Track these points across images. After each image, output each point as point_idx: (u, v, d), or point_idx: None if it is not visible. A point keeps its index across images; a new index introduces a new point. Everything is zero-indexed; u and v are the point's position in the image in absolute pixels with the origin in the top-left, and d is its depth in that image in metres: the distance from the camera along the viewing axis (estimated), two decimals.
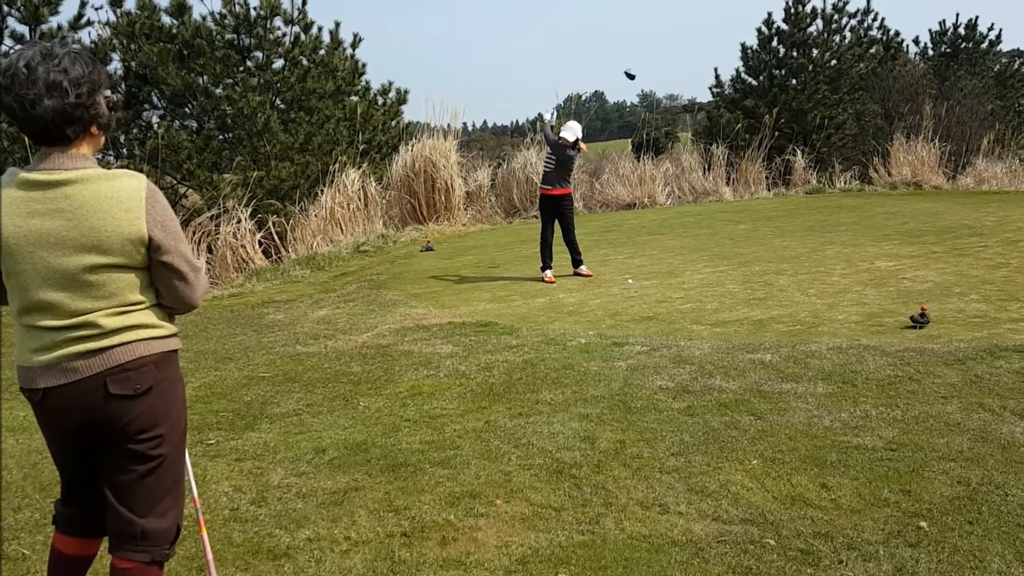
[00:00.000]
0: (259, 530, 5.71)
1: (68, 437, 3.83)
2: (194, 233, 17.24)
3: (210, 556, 4.44)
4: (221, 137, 20.24)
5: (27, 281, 3.59)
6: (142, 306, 3.74)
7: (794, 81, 30.91)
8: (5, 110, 3.56)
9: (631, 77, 19.42)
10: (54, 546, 4.11)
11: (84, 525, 4.06)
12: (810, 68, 30.59)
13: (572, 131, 14.59)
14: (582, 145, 14.71)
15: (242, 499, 6.23)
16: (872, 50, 32.01)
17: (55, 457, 3.97)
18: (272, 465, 6.85)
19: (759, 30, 31.35)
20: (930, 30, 37.01)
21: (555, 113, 25.81)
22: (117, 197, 3.56)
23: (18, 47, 4.04)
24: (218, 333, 11.95)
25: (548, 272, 14.66)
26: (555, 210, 14.79)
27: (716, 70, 34.41)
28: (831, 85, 30.63)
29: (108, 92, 3.83)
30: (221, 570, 5.17)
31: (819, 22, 30.66)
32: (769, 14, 30.99)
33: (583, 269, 14.68)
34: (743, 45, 31.79)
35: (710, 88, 33.51)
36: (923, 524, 5.28)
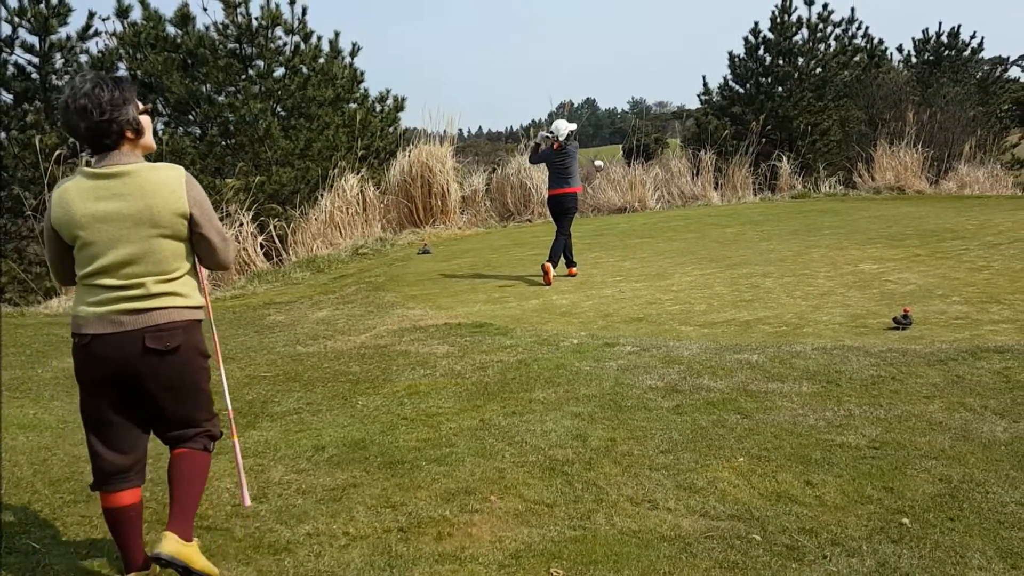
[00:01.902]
0: (260, 525, 5.71)
1: (105, 383, 4.61)
2: None
3: (240, 461, 5.65)
4: (224, 143, 20.23)
5: (94, 251, 4.48)
6: (181, 272, 4.65)
7: (780, 89, 30.93)
8: (66, 132, 4.97)
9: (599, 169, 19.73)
10: (109, 506, 4.73)
11: (125, 474, 4.76)
12: (796, 76, 30.60)
13: (555, 132, 14.61)
14: (558, 141, 14.63)
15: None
16: (856, 58, 32.03)
17: (89, 408, 4.72)
18: (273, 462, 6.85)
19: (746, 39, 31.37)
20: (913, 38, 37.12)
21: (548, 121, 25.76)
22: (164, 182, 4.52)
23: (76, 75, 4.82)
24: (220, 333, 11.94)
25: (572, 267, 14.96)
26: (556, 209, 14.83)
27: (704, 78, 34.46)
28: (816, 92, 30.65)
29: (139, 104, 4.65)
30: (223, 564, 5.18)
31: (804, 31, 30.68)
32: (756, 23, 31.01)
33: (552, 269, 14.52)
34: (730, 54, 31.80)
35: (698, 95, 33.54)
36: (905, 521, 5.29)
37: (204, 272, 5.26)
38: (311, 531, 5.59)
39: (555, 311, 12.05)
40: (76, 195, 4.46)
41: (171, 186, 4.52)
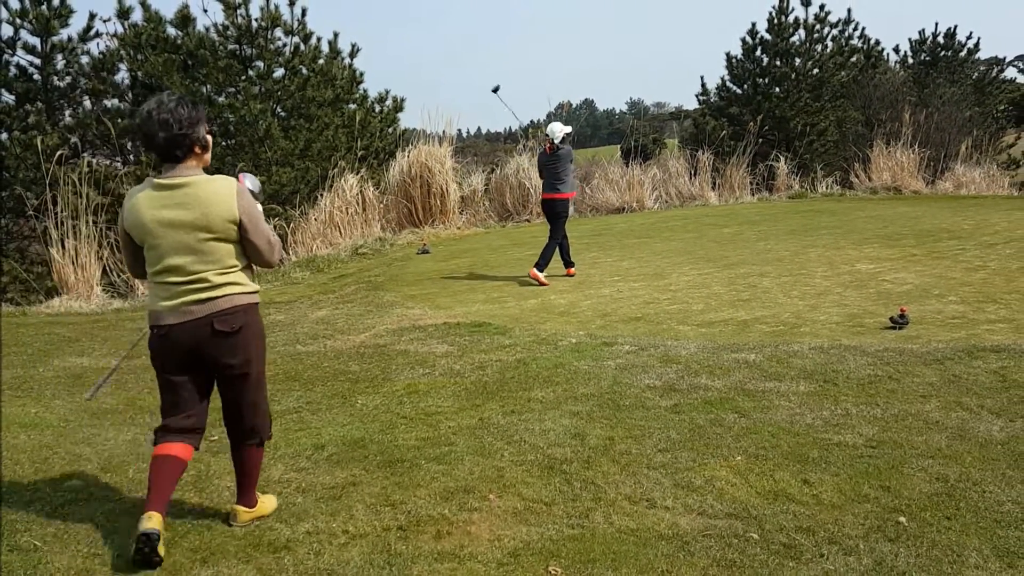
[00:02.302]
0: (260, 523, 5.71)
1: (180, 363, 5.37)
2: None
3: None
4: (224, 144, 20.22)
5: (161, 252, 5.21)
6: (236, 268, 5.36)
7: (777, 89, 30.90)
8: (140, 139, 5.61)
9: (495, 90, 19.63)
10: (157, 453, 5.43)
11: (185, 431, 5.52)
12: (793, 77, 30.59)
13: (549, 134, 14.53)
14: (551, 143, 14.50)
15: None
16: (853, 59, 32.02)
17: (164, 381, 5.47)
18: (273, 461, 6.84)
19: (743, 40, 31.35)
20: (910, 39, 37.13)
21: (546, 122, 25.75)
22: (219, 193, 5.20)
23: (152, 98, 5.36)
24: None
25: (570, 268, 14.94)
26: (547, 213, 14.78)
27: (702, 78, 34.41)
28: (813, 93, 30.64)
29: (206, 125, 5.37)
30: (224, 562, 5.18)
31: (801, 32, 30.66)
32: (753, 24, 30.98)
33: (540, 275, 14.43)
34: (728, 54, 31.78)
35: (696, 96, 33.51)
36: (902, 519, 5.29)
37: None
38: (311, 529, 5.59)
39: (553, 311, 12.05)
40: (145, 204, 5.21)
41: (224, 197, 5.21)
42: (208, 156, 5.40)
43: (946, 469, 6.00)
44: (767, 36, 30.91)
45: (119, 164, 19.62)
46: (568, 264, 15.03)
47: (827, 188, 27.86)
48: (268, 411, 5.88)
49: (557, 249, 14.61)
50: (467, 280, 15.14)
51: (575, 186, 14.68)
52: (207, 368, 5.46)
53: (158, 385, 5.55)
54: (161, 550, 5.12)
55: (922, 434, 6.65)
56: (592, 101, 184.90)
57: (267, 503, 5.90)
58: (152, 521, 5.12)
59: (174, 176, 5.20)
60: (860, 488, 5.78)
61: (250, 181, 5.87)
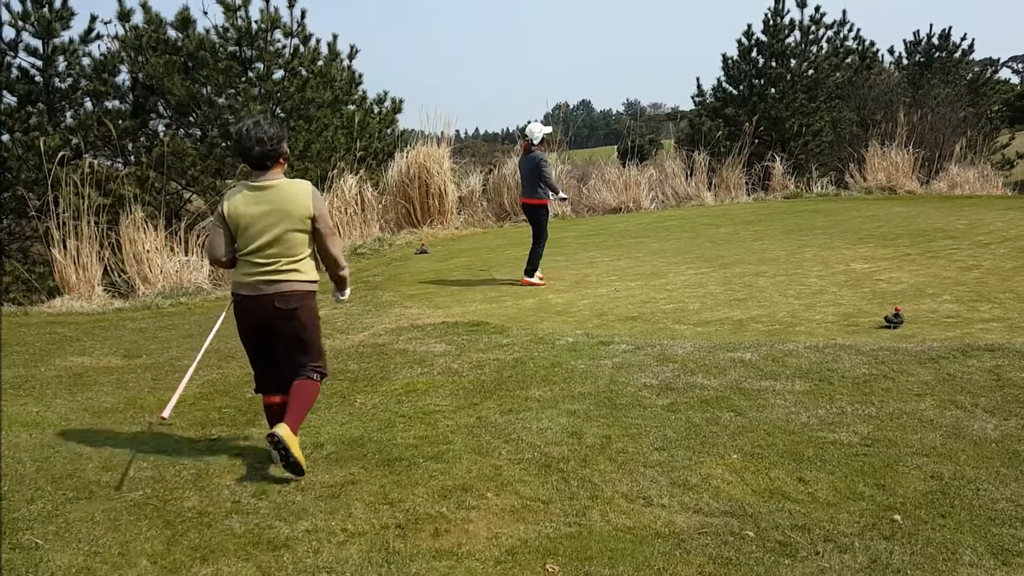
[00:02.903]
0: (260, 522, 5.71)
1: (251, 329, 6.66)
2: (198, 236, 17.20)
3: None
4: (224, 144, 20.20)
5: (250, 238, 6.44)
6: (305, 256, 6.62)
7: (773, 90, 30.92)
8: (239, 152, 6.52)
9: None
10: (266, 403, 6.86)
11: (274, 386, 6.80)
12: (788, 78, 30.61)
13: (528, 134, 14.30)
14: (531, 145, 14.24)
15: (243, 492, 6.23)
16: (848, 60, 32.04)
17: (245, 344, 6.79)
18: (272, 460, 6.84)
19: (739, 41, 31.37)
20: (904, 40, 37.09)
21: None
22: (297, 193, 6.48)
23: (246, 118, 6.94)
24: (221, 333, 11.89)
25: (526, 278, 14.43)
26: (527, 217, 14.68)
27: (698, 80, 34.35)
28: (808, 94, 30.66)
29: (287, 142, 6.69)
30: (223, 560, 5.17)
31: (797, 33, 30.68)
32: (749, 26, 31.00)
33: (532, 279, 14.30)
34: (724, 56, 31.81)
35: (692, 97, 33.52)
36: (897, 517, 5.29)
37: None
38: (310, 527, 5.59)
39: (551, 310, 12.04)
40: (241, 201, 6.45)
41: (301, 196, 6.48)
42: (286, 165, 6.68)
43: (940, 467, 6.00)
44: (763, 37, 30.93)
45: (120, 165, 19.62)
46: (529, 273, 14.54)
47: (822, 188, 27.85)
48: (324, 354, 6.96)
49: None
50: (465, 280, 15.13)
51: (549, 194, 14.20)
52: (267, 336, 6.65)
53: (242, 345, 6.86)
54: (296, 452, 6.36)
55: (917, 432, 6.65)
56: (589, 102, 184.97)
57: (296, 445, 6.41)
58: (279, 428, 6.33)
59: (264, 180, 6.48)
60: (855, 486, 5.78)
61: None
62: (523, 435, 7.08)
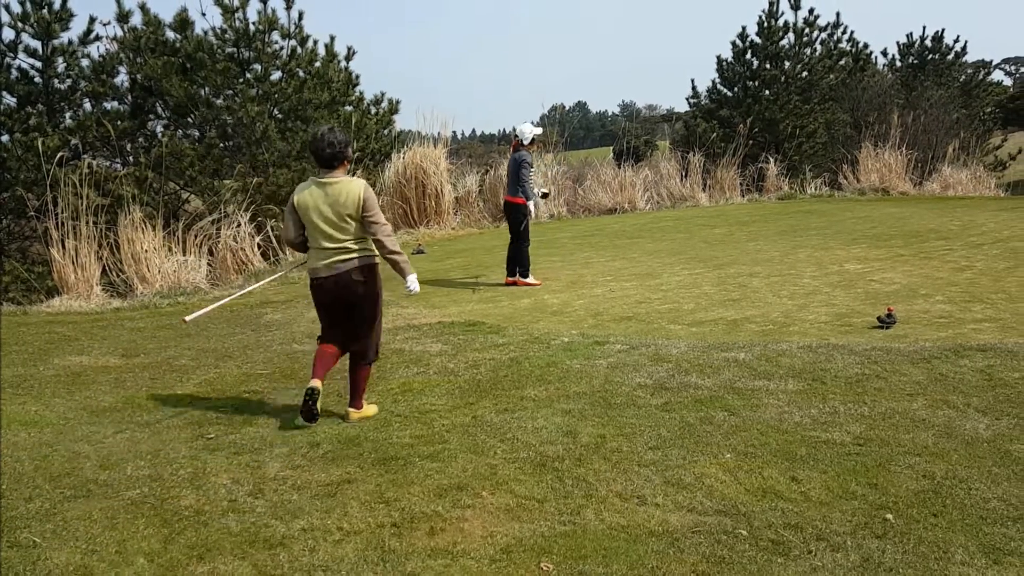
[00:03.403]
0: (256, 520, 5.71)
1: (329, 304, 7.84)
2: (195, 237, 17.20)
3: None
4: (222, 145, 20.18)
5: (316, 227, 7.61)
6: (360, 240, 7.69)
7: (767, 92, 30.90)
8: (312, 153, 7.68)
9: None
10: (320, 348, 7.99)
11: (335, 342, 8.02)
12: (782, 79, 30.60)
13: (518, 135, 14.25)
14: (520, 144, 14.17)
15: (240, 491, 6.23)
16: (842, 62, 32.03)
17: (321, 315, 8.03)
18: (269, 459, 6.84)
19: (734, 43, 31.34)
20: (898, 42, 37.05)
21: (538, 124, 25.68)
22: (352, 189, 7.59)
23: (320, 126, 8.31)
24: (218, 332, 11.93)
25: (511, 278, 14.48)
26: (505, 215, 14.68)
27: (693, 81, 34.29)
28: (802, 96, 30.64)
29: (352, 147, 8.09)
30: (220, 558, 5.17)
31: (791, 35, 30.67)
32: (743, 28, 30.98)
33: (526, 280, 14.32)
34: (719, 57, 31.78)
35: (687, 99, 33.49)
36: (889, 516, 5.29)
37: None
38: (306, 526, 5.59)
39: (546, 310, 12.05)
40: (308, 194, 7.64)
41: (356, 191, 7.58)
42: (349, 165, 7.86)
43: (933, 467, 6.01)
44: (757, 39, 30.92)
45: (119, 166, 19.60)
46: (510, 273, 14.61)
47: (816, 189, 27.85)
48: (378, 343, 8.17)
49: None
50: (461, 280, 15.13)
51: (528, 195, 14.04)
52: (344, 305, 7.80)
53: (317, 315, 8.15)
54: (367, 413, 7.94)
55: (909, 432, 6.66)
56: (585, 103, 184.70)
57: (370, 409, 8.05)
58: (316, 382, 7.70)
59: (328, 177, 7.64)
60: (848, 485, 5.78)
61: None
62: (518, 434, 7.08)
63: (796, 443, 6.56)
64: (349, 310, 7.89)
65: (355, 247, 7.69)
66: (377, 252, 7.87)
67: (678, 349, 9.40)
